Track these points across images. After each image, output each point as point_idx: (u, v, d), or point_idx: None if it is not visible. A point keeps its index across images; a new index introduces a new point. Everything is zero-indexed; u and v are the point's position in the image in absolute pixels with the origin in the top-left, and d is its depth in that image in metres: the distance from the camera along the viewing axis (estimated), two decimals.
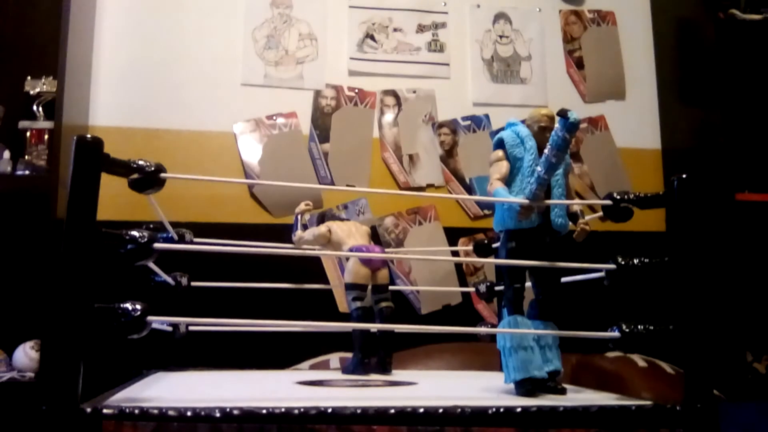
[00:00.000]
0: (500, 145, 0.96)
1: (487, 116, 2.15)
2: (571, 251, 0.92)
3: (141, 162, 0.79)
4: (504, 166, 0.93)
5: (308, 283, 1.42)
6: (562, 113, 0.81)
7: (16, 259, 1.82)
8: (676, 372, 1.66)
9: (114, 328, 0.69)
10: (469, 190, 2.10)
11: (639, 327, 0.80)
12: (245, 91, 2.04)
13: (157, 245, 0.74)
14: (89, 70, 1.97)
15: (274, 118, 2.04)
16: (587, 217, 0.95)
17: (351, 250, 1.18)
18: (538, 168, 0.86)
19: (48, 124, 1.78)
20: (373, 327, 1.17)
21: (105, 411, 0.65)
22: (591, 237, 0.92)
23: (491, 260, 0.91)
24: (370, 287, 1.19)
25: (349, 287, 1.17)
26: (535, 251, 0.91)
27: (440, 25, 2.19)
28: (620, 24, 2.31)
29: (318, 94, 2.08)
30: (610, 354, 1.74)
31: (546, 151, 0.84)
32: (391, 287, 1.21)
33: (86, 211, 0.69)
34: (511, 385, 0.88)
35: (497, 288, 1.32)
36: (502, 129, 0.98)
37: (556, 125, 0.83)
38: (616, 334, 0.80)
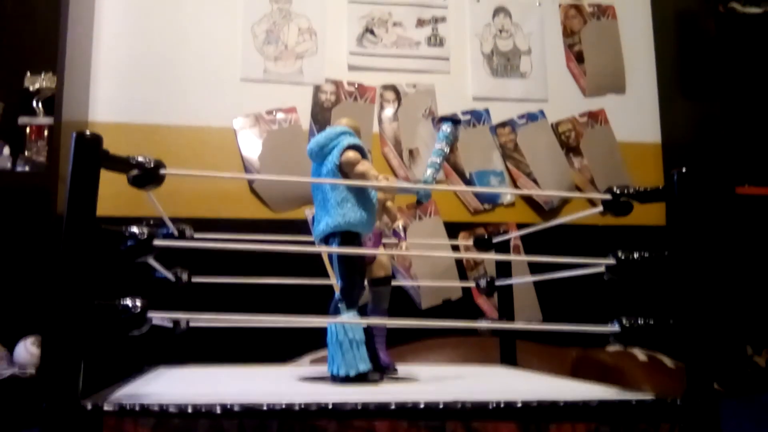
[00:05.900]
0: (355, 149, 0.92)
1: (487, 110, 2.14)
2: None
3: (140, 158, 0.79)
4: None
5: (309, 277, 1.42)
6: (455, 118, 0.92)
7: (16, 256, 1.82)
8: (676, 366, 1.67)
9: (115, 325, 0.69)
10: (469, 184, 2.09)
11: (639, 321, 0.80)
12: (245, 87, 2.04)
13: (157, 241, 0.74)
14: (89, 66, 1.97)
15: (274, 113, 2.03)
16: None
17: None
18: (436, 159, 0.90)
19: (48, 120, 1.78)
20: (378, 322, 1.17)
21: (106, 407, 0.65)
22: (591, 231, 0.93)
23: (492, 255, 0.91)
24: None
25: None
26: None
27: (440, 19, 2.18)
28: (620, 18, 2.30)
29: (318, 89, 2.07)
30: (611, 348, 1.74)
31: (441, 146, 0.89)
32: (392, 282, 1.21)
33: (86, 208, 0.68)
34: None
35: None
36: (342, 134, 0.94)
37: (446, 126, 0.88)
38: (616, 328, 0.80)
